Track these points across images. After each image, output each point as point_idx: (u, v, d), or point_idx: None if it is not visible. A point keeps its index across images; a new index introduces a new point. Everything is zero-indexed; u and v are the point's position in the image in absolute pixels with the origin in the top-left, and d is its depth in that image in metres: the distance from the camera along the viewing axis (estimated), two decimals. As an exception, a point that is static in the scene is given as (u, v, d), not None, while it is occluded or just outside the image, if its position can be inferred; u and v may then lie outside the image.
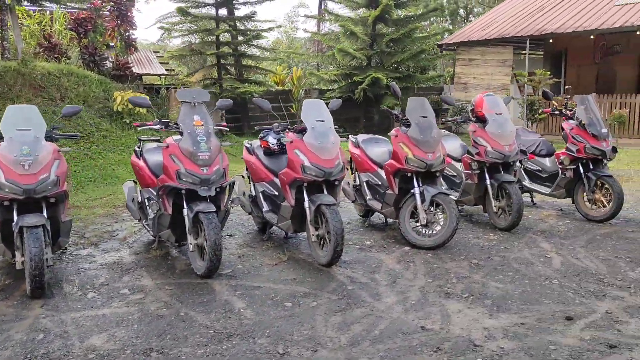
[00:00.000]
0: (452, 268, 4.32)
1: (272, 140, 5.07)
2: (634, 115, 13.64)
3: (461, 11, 44.06)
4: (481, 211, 6.02)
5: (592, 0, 15.52)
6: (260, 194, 5.03)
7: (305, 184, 4.38)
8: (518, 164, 5.80)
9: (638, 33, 14.86)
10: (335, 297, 3.75)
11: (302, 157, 4.31)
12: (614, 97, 14.07)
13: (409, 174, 4.92)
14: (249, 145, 5.35)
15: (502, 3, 19.49)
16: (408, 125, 4.98)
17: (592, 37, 15.38)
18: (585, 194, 5.85)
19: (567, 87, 14.07)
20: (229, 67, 14.87)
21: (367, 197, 5.46)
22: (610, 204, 5.61)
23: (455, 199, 5.83)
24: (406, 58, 14.91)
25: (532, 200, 6.83)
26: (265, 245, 5.05)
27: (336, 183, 4.47)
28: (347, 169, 4.74)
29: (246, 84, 14.25)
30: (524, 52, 17.61)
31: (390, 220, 5.61)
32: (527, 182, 6.46)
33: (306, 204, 4.38)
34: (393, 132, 5.10)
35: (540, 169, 6.34)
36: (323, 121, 4.45)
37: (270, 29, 14.86)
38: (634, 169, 9.55)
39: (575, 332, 3.15)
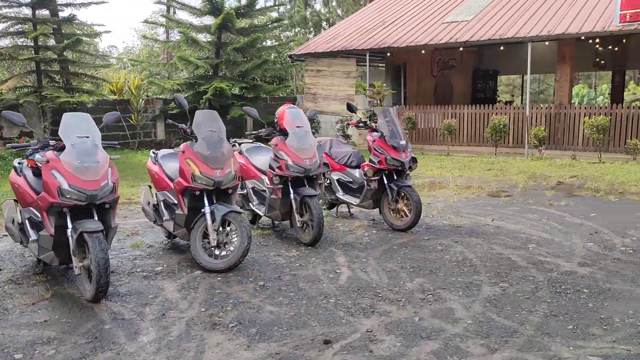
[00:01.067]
0: (234, 293, 4.06)
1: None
2: (464, 124, 14.79)
3: (324, 23, 45.47)
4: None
5: (425, 18, 16.64)
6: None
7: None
8: (324, 176, 5.78)
9: (461, 49, 16.19)
10: (83, 341, 3.28)
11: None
12: (446, 108, 15.13)
13: (198, 192, 4.60)
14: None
15: (347, 18, 20.26)
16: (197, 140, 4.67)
17: (423, 51, 16.45)
18: (389, 204, 5.99)
19: (369, 100, 14.79)
20: (53, 75, 13.48)
21: (165, 218, 5.06)
22: (411, 213, 5.79)
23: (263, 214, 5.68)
24: (251, 68, 14.74)
25: (349, 211, 6.92)
26: (35, 280, 4.40)
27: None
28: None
29: (77, 94, 13.04)
30: (371, 64, 18.42)
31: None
32: (340, 194, 6.50)
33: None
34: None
35: (351, 180, 6.40)
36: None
37: (97, 34, 13.79)
38: (454, 175, 10.22)
39: (327, 357, 3.02)
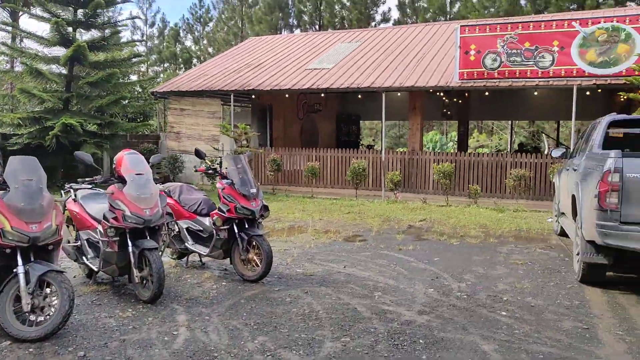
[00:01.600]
0: (46, 368, 3.52)
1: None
2: (327, 167, 15.18)
3: (195, 60, 44.82)
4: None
5: (290, 63, 17.08)
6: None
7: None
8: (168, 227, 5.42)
9: (323, 95, 16.82)
10: None
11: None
12: (310, 151, 15.46)
13: (9, 250, 3.99)
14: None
15: (214, 58, 20.14)
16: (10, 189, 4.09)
17: (286, 95, 16.81)
18: (240, 254, 5.77)
19: (235, 139, 14.69)
20: None
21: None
22: (262, 263, 5.62)
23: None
24: (106, 103, 13.85)
25: (201, 261, 6.57)
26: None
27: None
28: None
29: None
30: (238, 104, 18.35)
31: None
32: (189, 243, 6.14)
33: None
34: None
35: (201, 229, 6.08)
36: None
37: None
38: (315, 218, 10.32)
39: None
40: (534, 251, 7.42)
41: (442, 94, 17.33)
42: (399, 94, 14.87)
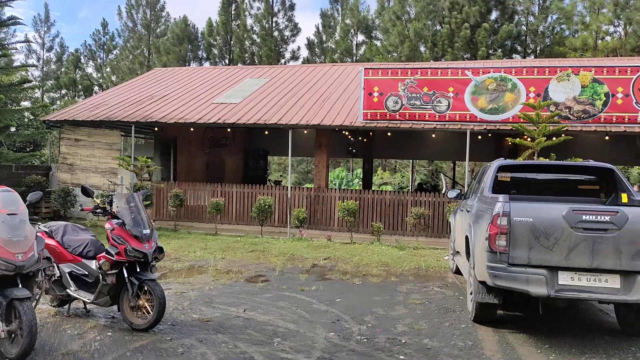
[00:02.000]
0: None
1: None
2: (232, 203, 14.84)
3: (96, 88, 42.74)
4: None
5: (196, 96, 16.73)
6: None
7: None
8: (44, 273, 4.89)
9: (229, 130, 16.61)
10: None
11: None
12: (215, 186, 15.06)
13: None
14: None
15: (115, 87, 19.29)
16: None
17: (191, 129, 16.39)
18: (129, 301, 5.33)
19: (135, 173, 14.08)
20: None
21: None
22: (154, 310, 5.22)
23: None
24: (-13, 132, 12.68)
25: (86, 307, 6.00)
26: None
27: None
28: None
29: None
30: (141, 136, 17.58)
31: None
32: (72, 289, 5.57)
33: None
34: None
35: (86, 273, 5.55)
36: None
37: None
38: (217, 257, 9.94)
39: None
40: (431, 290, 7.61)
41: (347, 132, 17.76)
42: (305, 131, 15.03)
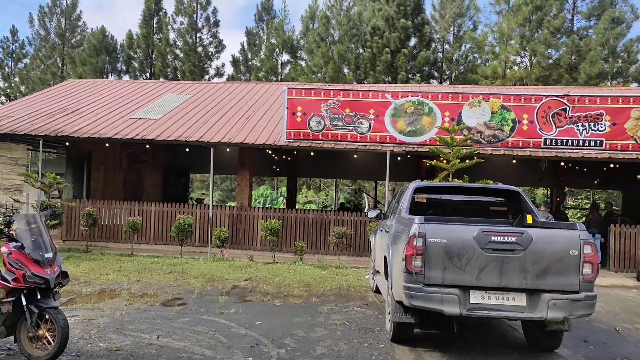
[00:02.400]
0: None
1: None
2: (151, 222, 14.27)
3: (3, 98, 39.87)
4: None
5: (112, 110, 16.04)
6: None
7: None
8: None
9: (148, 146, 16.03)
10: None
11: None
12: (132, 204, 14.44)
13: None
14: None
15: (22, 98, 18.10)
16: None
17: (107, 144, 15.67)
18: (28, 331, 4.90)
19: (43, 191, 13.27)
20: None
21: None
22: (55, 340, 4.83)
23: None
24: None
25: (-20, 340, 5.46)
26: None
27: None
28: None
29: None
30: (52, 151, 16.53)
31: None
32: (-38, 320, 5.05)
33: None
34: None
35: (-21, 301, 5.07)
36: None
37: None
38: (132, 279, 9.45)
39: None
40: (352, 310, 7.66)
41: (270, 151, 17.71)
42: (228, 149, 14.81)
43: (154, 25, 35.76)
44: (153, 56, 35.42)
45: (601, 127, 12.30)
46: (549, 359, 5.76)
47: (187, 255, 12.80)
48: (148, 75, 35.38)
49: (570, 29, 28.84)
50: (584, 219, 15.62)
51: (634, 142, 12.25)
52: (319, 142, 13.22)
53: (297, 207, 23.31)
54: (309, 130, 13.19)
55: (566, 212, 21.53)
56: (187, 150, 17.66)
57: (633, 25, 28.25)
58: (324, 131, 13.15)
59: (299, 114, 13.22)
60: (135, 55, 35.80)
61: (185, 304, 7.71)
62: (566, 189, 22.95)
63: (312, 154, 17.15)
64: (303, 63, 34.02)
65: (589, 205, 24.77)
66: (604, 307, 8.59)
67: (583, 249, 5.14)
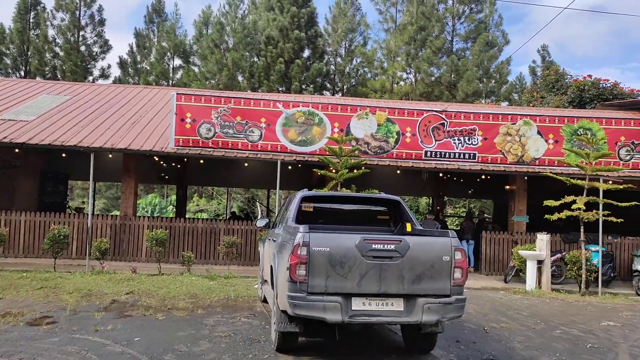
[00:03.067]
0: None
1: None
2: (20, 233, 13.05)
3: None
4: None
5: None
6: None
7: None
8: None
9: (17, 150, 14.71)
10: None
11: None
12: (-1, 214, 13.10)
13: None
14: None
15: None
16: None
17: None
18: None
19: None
20: None
21: None
22: None
23: None
24: None
25: None
26: None
27: None
28: None
29: None
30: None
31: None
32: None
33: None
34: None
35: None
36: None
37: None
38: (-7, 298, 8.54)
39: None
40: (238, 321, 7.53)
41: (158, 158, 17.03)
42: (110, 154, 13.99)
43: (31, 20, 32.97)
44: (29, 53, 32.60)
45: (474, 141, 13.35)
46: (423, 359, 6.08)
47: (62, 269, 11.86)
48: (23, 73, 32.47)
49: (450, 50, 31.14)
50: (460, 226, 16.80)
51: (502, 155, 13.45)
52: (209, 149, 12.94)
53: (187, 216, 22.59)
54: (199, 138, 12.87)
55: (445, 220, 23.07)
56: (65, 155, 16.43)
57: (504, 49, 31.16)
58: (214, 139, 12.90)
59: (188, 120, 12.85)
60: (8, 52, 32.70)
61: (55, 322, 7.10)
62: (445, 198, 24.59)
63: (202, 161, 16.76)
64: (196, 69, 33.24)
65: (465, 213, 26.78)
66: (475, 308, 9.27)
67: (454, 255, 5.49)
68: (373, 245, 5.36)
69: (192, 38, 34.30)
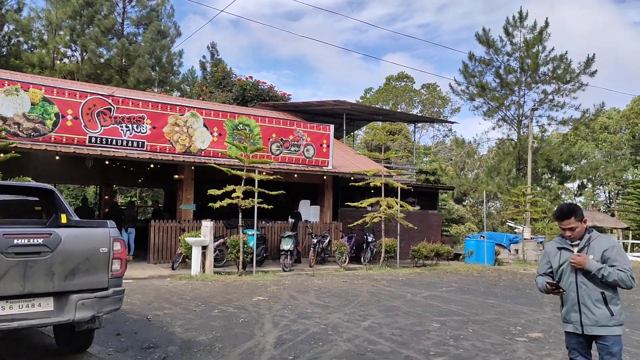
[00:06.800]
0: None
1: None
2: None
3: None
4: None
5: None
6: None
7: None
8: None
9: None
10: None
11: None
12: None
13: None
14: None
15: None
16: None
17: None
18: None
19: None
20: None
21: None
22: None
23: None
24: None
25: None
26: None
27: None
28: None
29: None
30: None
31: None
32: None
33: None
34: None
35: None
36: None
37: None
38: None
39: None
40: None
41: None
42: None
43: None
44: None
45: (143, 130, 13.15)
46: (79, 359, 5.67)
47: None
48: None
49: (122, 32, 29.84)
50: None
51: (171, 145, 13.65)
52: None
53: None
54: None
55: (122, 208, 22.11)
56: None
57: (176, 41, 31.51)
58: None
59: None
60: None
61: None
62: (115, 187, 23.55)
63: None
64: None
65: (127, 202, 26.28)
66: (140, 298, 9.17)
67: (113, 246, 5.27)
68: (15, 241, 4.67)
69: None
